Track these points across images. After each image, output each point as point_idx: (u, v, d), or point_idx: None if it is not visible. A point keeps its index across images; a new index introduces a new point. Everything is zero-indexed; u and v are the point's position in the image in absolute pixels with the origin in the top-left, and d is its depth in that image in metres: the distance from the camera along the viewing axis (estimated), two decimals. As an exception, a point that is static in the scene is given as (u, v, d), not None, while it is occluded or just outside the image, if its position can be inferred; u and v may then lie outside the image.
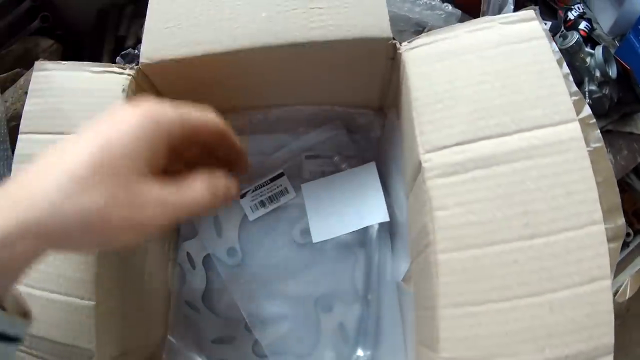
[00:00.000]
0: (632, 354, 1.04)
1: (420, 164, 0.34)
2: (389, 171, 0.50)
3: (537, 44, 0.37)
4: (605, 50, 0.60)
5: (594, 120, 0.36)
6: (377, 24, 0.39)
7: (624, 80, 0.63)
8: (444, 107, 0.35)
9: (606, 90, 0.60)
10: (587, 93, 0.61)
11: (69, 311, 0.37)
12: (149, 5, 0.44)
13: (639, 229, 0.72)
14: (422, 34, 0.39)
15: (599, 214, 0.32)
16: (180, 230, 0.55)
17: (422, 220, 0.34)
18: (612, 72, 0.61)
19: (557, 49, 0.37)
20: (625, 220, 0.71)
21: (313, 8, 0.40)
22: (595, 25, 0.71)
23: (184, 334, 0.52)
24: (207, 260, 0.53)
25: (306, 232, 0.51)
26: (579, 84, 0.63)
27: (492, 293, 0.31)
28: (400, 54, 0.39)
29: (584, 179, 0.33)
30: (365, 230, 0.50)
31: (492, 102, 0.35)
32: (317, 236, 0.49)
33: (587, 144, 0.34)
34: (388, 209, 0.49)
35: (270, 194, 0.52)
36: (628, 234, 0.71)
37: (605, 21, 0.72)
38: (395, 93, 0.42)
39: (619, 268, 0.68)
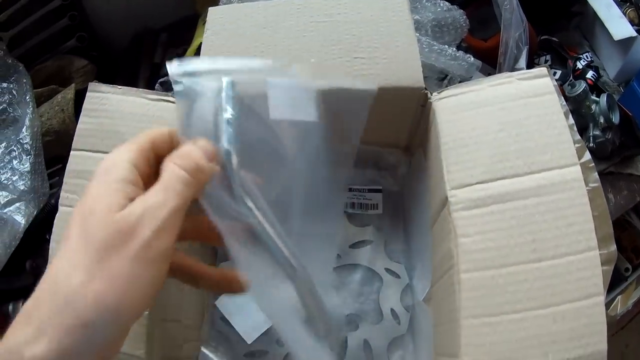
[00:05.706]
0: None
1: (446, 198, 0.44)
2: (412, 204, 0.60)
3: (548, 98, 0.48)
4: (609, 98, 0.71)
5: (593, 164, 0.46)
6: (412, 76, 0.50)
7: (626, 125, 0.74)
8: (468, 151, 0.45)
9: (609, 135, 0.71)
10: (591, 137, 0.72)
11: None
12: (203, 43, 0.54)
13: (637, 264, 0.82)
14: (450, 86, 0.49)
15: (594, 242, 0.42)
16: (217, 252, 0.64)
17: (447, 246, 0.44)
18: (615, 118, 0.71)
19: (564, 102, 0.48)
20: (625, 256, 0.82)
21: (356, 58, 0.50)
22: (602, 72, 0.82)
23: (217, 347, 0.59)
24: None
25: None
26: (584, 129, 0.73)
27: (505, 306, 0.41)
28: (430, 102, 0.49)
29: (582, 213, 0.43)
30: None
31: (508, 147, 0.45)
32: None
33: (587, 184, 0.44)
34: (409, 236, 0.57)
35: None
36: (627, 269, 0.80)
37: (611, 69, 0.83)
38: (423, 136, 0.52)
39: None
